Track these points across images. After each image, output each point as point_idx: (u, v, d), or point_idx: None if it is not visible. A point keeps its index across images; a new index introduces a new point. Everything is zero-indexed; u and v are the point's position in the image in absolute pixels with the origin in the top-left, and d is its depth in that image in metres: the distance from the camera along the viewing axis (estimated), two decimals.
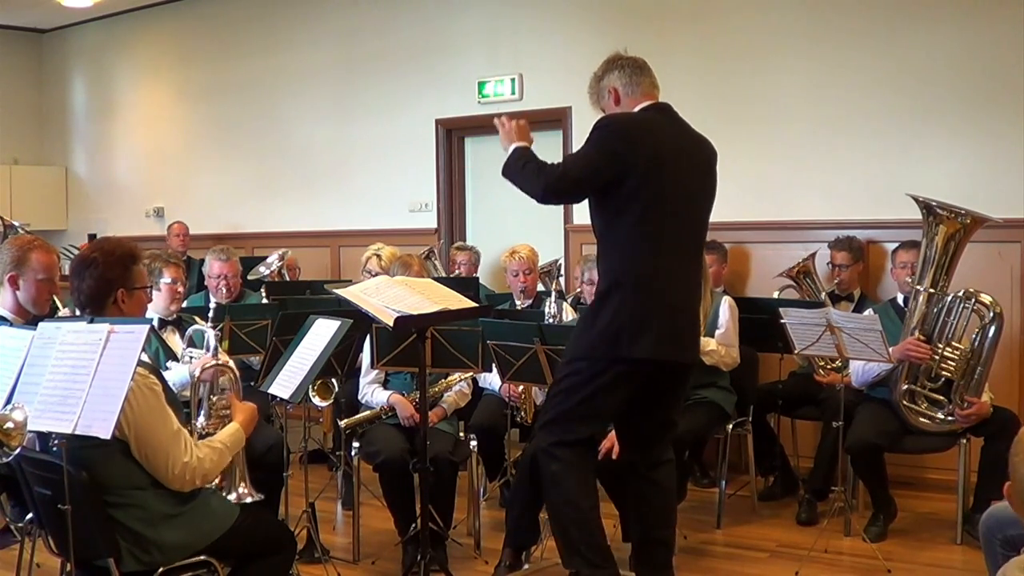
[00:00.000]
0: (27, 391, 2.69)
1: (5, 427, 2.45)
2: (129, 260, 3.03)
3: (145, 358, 2.84)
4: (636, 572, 3.73)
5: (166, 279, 4.42)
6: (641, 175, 3.34)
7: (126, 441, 2.75)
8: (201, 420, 3.32)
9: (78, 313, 3.05)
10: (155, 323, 4.24)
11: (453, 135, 7.31)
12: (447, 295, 3.73)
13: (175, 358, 4.02)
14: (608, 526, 4.42)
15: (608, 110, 3.58)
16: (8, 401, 2.71)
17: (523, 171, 3.46)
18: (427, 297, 3.62)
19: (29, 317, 3.71)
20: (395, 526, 4.35)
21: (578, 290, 5.42)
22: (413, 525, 4.19)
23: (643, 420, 3.60)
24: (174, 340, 4.29)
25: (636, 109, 3.52)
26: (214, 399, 3.34)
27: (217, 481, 3.15)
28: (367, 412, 4.50)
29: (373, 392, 4.53)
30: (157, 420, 2.78)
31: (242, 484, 3.23)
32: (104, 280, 2.97)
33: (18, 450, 2.49)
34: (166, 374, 3.46)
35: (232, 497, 3.17)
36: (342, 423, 4.49)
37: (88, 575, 2.82)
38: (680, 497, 4.71)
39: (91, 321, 2.75)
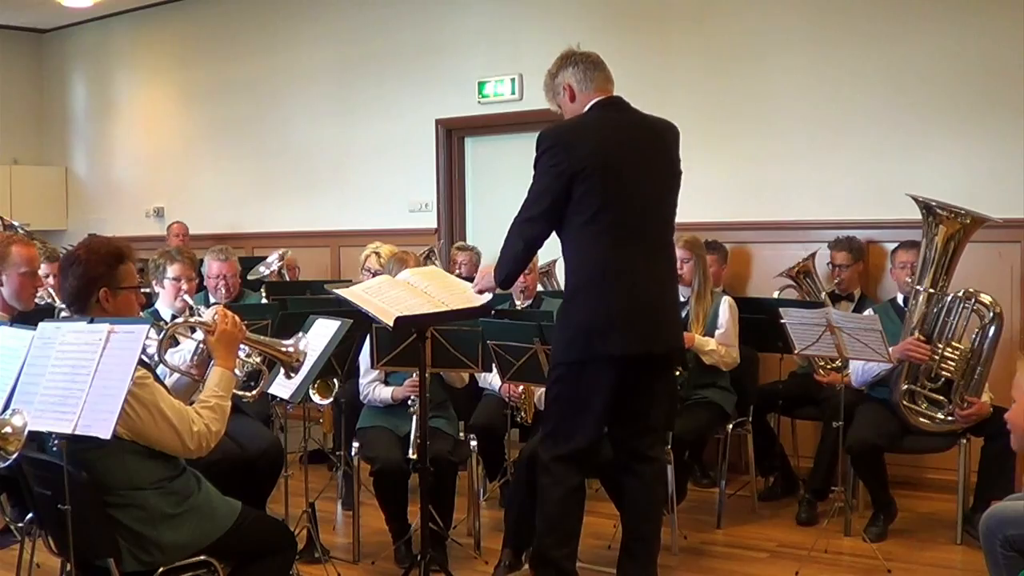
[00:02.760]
0: (27, 391, 2.69)
1: (3, 431, 2.45)
2: (114, 259, 2.95)
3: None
4: (618, 570, 3.73)
5: (169, 275, 4.42)
6: (586, 177, 3.36)
7: (136, 441, 2.75)
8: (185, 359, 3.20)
9: (66, 310, 3.04)
10: (168, 319, 4.25)
11: (453, 135, 7.30)
12: (453, 285, 3.74)
13: None
14: (608, 526, 4.43)
15: (564, 106, 3.62)
16: (7, 403, 2.71)
17: (504, 252, 3.52)
18: (431, 295, 3.63)
19: (14, 313, 3.70)
20: (389, 532, 4.36)
21: None
22: (407, 535, 4.25)
23: (625, 411, 3.62)
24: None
25: (587, 106, 3.53)
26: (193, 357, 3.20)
27: None
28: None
29: (375, 389, 4.52)
30: (159, 403, 2.78)
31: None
32: (86, 278, 2.90)
33: (15, 455, 2.48)
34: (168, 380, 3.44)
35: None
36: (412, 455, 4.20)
37: (88, 575, 2.82)
38: (680, 497, 4.72)
39: (91, 321, 2.74)
